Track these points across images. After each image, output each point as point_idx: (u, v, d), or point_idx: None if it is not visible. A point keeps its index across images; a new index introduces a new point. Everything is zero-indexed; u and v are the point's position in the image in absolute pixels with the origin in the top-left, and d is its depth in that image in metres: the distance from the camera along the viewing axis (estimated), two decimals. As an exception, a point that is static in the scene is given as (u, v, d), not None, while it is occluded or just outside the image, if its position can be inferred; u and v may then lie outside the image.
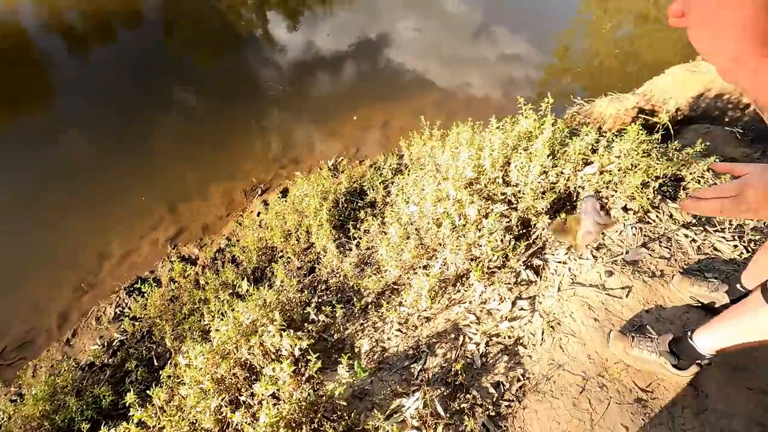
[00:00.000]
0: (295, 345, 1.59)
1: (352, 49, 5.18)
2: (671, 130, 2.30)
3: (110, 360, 2.51)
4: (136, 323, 2.50)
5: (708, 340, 1.24)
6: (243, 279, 2.16)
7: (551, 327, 1.61)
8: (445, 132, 2.76)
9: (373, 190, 2.68)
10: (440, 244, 1.86)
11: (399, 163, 3.02)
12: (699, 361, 1.33)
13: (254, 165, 3.74)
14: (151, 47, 5.28)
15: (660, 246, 1.82)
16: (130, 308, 2.68)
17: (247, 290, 1.86)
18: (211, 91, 4.59)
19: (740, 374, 1.39)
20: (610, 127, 3.52)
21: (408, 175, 2.55)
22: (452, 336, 1.69)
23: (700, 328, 1.27)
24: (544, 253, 1.83)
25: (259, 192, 3.46)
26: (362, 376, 1.49)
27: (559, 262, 1.79)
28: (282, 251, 2.58)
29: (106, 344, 2.62)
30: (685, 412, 1.38)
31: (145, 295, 2.49)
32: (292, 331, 1.67)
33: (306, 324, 1.79)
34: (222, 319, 1.76)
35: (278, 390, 1.46)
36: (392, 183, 2.68)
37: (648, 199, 1.94)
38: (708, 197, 0.70)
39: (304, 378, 1.54)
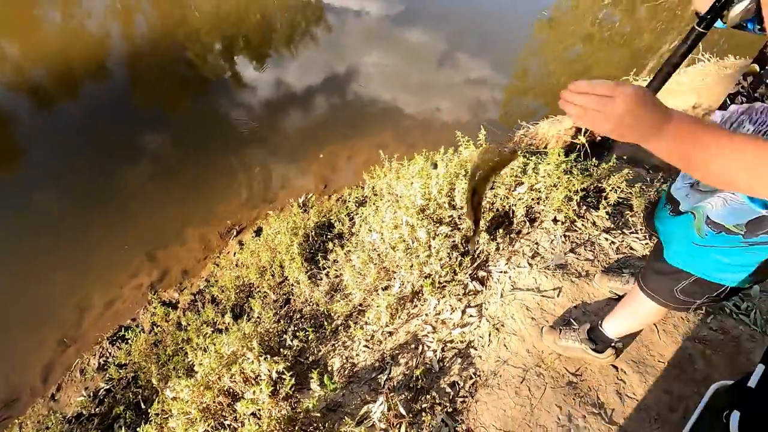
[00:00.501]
0: (273, 369, 1.77)
1: (318, 88, 5.51)
2: (588, 150, 2.65)
3: (97, 409, 2.59)
4: (122, 369, 2.60)
5: (611, 326, 1.51)
6: (223, 315, 2.33)
7: (496, 329, 1.85)
8: (403, 163, 3.05)
9: (340, 222, 2.92)
10: (398, 266, 2.10)
11: (363, 195, 3.28)
12: (613, 345, 1.59)
13: (228, 207, 3.94)
14: (118, 98, 5.43)
15: (585, 250, 2.11)
16: (114, 357, 2.78)
17: (227, 324, 2.04)
18: (182, 137, 4.79)
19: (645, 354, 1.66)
20: (553, 146, 3.90)
21: (370, 206, 2.81)
22: (413, 346, 1.90)
23: (607, 316, 1.54)
24: (488, 265, 2.09)
25: (235, 233, 3.65)
26: (332, 389, 1.68)
27: (501, 272, 2.05)
28: (258, 287, 2.76)
29: (92, 394, 2.70)
30: (608, 389, 1.62)
31: (129, 341, 2.61)
32: (269, 356, 1.85)
33: (282, 350, 1.97)
34: (204, 353, 1.92)
35: (258, 409, 1.63)
36: (357, 214, 2.93)
37: (574, 210, 2.25)
38: (581, 90, 0.63)
39: (281, 396, 1.72)
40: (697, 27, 0.70)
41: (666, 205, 1.18)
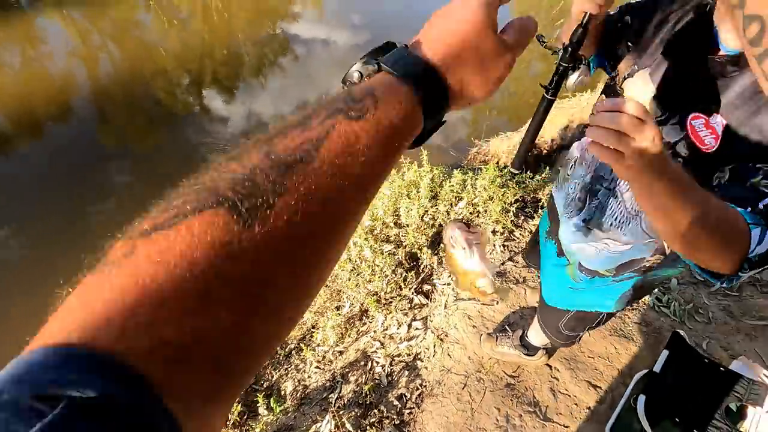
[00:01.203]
0: (223, 397, 1.79)
1: (287, 114, 5.62)
2: (527, 163, 2.82)
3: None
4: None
5: (533, 337, 1.62)
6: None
7: (440, 339, 1.93)
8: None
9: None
10: (346, 286, 2.17)
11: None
12: (542, 347, 1.69)
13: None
14: (83, 138, 5.37)
15: (522, 257, 2.24)
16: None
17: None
18: (150, 173, 4.77)
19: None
20: (504, 161, 4.10)
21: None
22: (362, 363, 1.95)
23: (530, 327, 1.65)
24: (432, 279, 2.19)
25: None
26: (279, 411, 1.70)
27: (444, 284, 2.15)
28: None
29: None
30: (543, 387, 1.71)
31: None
32: (220, 386, 1.87)
33: (234, 378, 1.99)
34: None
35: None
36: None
37: (512, 221, 2.38)
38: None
39: (230, 425, 1.73)
40: (546, 95, 0.83)
41: (549, 241, 1.28)
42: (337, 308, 2.21)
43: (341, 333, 2.06)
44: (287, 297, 0.26)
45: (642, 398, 1.33)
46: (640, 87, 0.95)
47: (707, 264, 0.68)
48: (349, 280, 2.14)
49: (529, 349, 1.70)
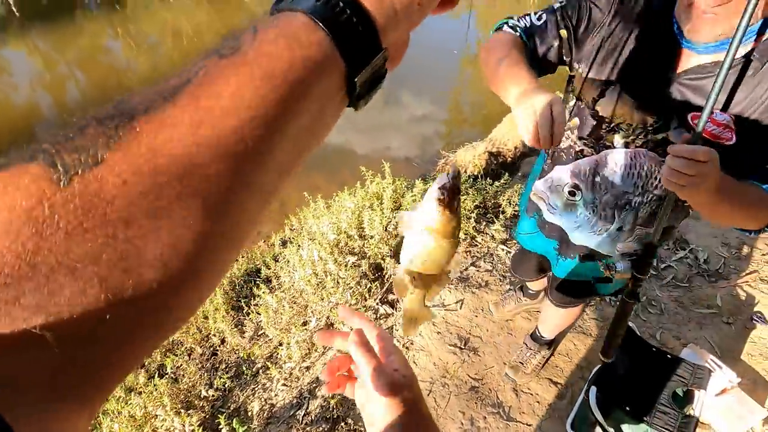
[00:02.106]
0: (185, 422, 1.75)
1: None
2: (493, 170, 2.89)
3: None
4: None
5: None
6: (151, 378, 2.26)
7: (406, 348, 1.94)
8: (327, 202, 3.18)
9: (266, 266, 2.96)
10: (311, 301, 2.17)
11: (289, 237, 3.35)
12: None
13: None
14: None
15: (484, 262, 2.28)
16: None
17: (140, 385, 2.00)
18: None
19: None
20: (471, 171, 4.19)
21: (292, 246, 2.89)
22: (329, 377, 1.94)
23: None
24: (397, 288, 2.20)
25: (166, 291, 3.56)
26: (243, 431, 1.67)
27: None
28: (184, 342, 2.70)
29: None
30: (506, 388, 1.73)
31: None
32: (183, 411, 1.82)
33: (198, 401, 1.95)
34: (118, 416, 1.86)
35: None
36: (281, 256, 2.98)
37: (473, 227, 2.43)
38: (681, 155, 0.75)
39: (193, 449, 1.69)
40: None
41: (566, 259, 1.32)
42: (304, 324, 2.20)
43: (308, 348, 2.05)
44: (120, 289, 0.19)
45: (593, 390, 1.36)
46: (616, 105, 0.98)
47: (743, 227, 0.91)
48: (314, 294, 2.14)
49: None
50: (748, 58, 0.81)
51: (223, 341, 2.60)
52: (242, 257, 3.41)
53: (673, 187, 0.78)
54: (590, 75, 0.99)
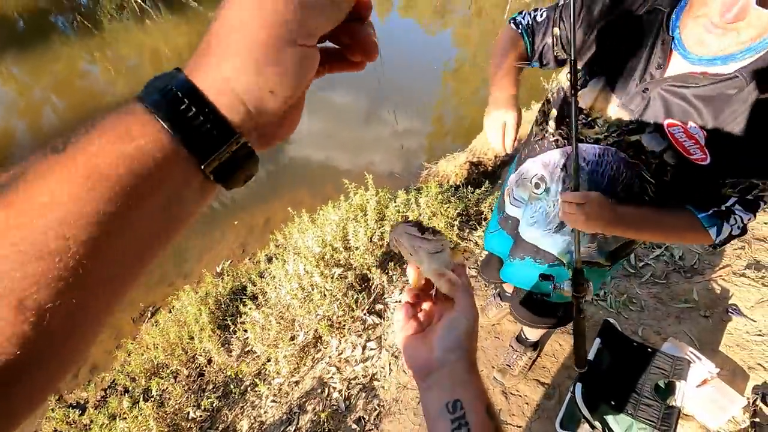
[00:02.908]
0: (172, 445, 1.71)
1: None
2: (475, 179, 2.94)
3: None
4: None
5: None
6: (135, 404, 2.20)
7: (395, 357, 1.94)
8: (312, 216, 3.18)
9: (252, 282, 2.93)
10: (298, 314, 2.16)
11: (272, 253, 3.34)
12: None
13: (140, 291, 3.77)
14: None
15: (469, 268, 2.31)
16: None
17: (124, 411, 1.94)
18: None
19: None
20: (453, 181, 4.25)
21: (278, 262, 2.87)
22: (319, 390, 1.92)
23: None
24: (384, 298, 2.21)
25: (149, 315, 3.49)
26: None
27: (396, 302, 2.18)
28: (170, 365, 2.64)
29: None
30: (495, 391, 1.74)
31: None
32: (170, 433, 1.78)
33: (185, 423, 1.90)
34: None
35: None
36: (267, 272, 2.97)
37: (457, 234, 2.47)
38: (566, 200, 0.95)
39: (180, 472, 1.65)
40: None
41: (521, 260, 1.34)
42: (292, 338, 2.18)
43: (296, 363, 2.03)
44: None
45: (579, 386, 1.38)
46: (596, 98, 0.97)
47: (693, 243, 1.07)
48: (301, 307, 2.13)
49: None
50: (735, 76, 0.78)
51: (209, 361, 2.56)
52: (227, 275, 3.37)
53: (566, 219, 0.96)
54: (579, 65, 0.97)
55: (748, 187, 0.85)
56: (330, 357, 2.02)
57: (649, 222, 0.96)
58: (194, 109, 0.25)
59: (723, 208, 0.88)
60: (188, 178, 0.26)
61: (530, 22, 1.11)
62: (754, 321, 1.93)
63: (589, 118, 0.99)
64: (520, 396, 1.72)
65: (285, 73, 0.27)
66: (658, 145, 0.88)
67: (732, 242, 2.32)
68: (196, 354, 2.64)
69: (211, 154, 0.26)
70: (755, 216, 0.88)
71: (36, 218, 0.21)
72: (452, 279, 0.50)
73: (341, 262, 2.35)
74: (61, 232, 0.21)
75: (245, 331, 2.29)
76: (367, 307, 2.14)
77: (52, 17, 8.24)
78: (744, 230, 0.91)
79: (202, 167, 0.26)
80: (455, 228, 2.47)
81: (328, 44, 0.33)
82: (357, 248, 2.38)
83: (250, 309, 2.52)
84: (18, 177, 0.22)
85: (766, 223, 2.43)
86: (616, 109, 0.93)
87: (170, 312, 3.31)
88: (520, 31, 1.11)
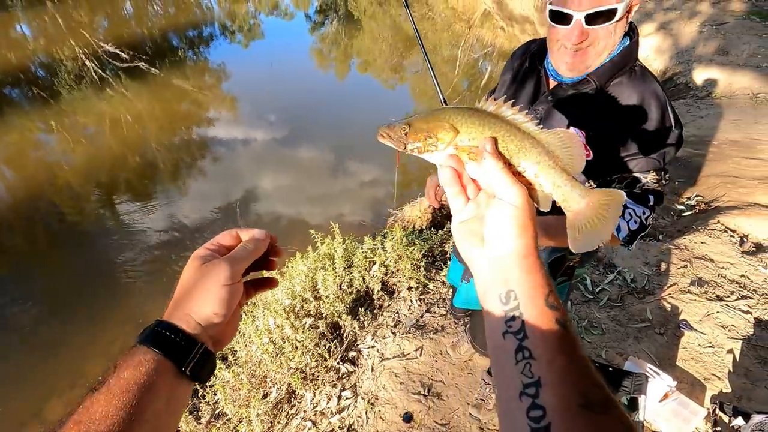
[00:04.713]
0: None
1: (207, 219, 5.47)
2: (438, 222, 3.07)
3: None
4: None
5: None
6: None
7: (371, 404, 1.91)
8: (281, 270, 3.17)
9: (220, 343, 2.84)
10: (269, 370, 2.11)
11: (243, 310, 3.27)
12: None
13: (104, 361, 3.54)
14: None
15: (438, 307, 2.37)
16: None
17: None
18: (48, 298, 4.33)
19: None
20: (418, 225, 4.38)
21: (247, 317, 2.81)
22: (295, 449, 1.85)
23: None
24: (357, 344, 2.21)
25: (109, 389, 3.25)
26: None
27: (369, 347, 2.18)
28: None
29: None
30: (472, 428, 1.74)
31: None
32: None
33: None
34: None
35: None
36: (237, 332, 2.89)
37: (424, 275, 2.54)
38: None
39: None
40: None
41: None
42: (264, 396, 2.11)
43: (270, 422, 1.96)
44: None
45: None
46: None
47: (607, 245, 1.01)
48: (272, 362, 2.09)
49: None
50: (591, 81, 1.02)
51: (176, 433, 2.40)
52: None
53: None
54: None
55: (631, 181, 0.99)
56: (305, 411, 1.96)
57: (559, 228, 1.04)
58: (171, 335, 0.44)
59: None
60: (175, 380, 0.43)
61: None
62: (704, 334, 2.07)
63: None
64: (497, 430, 1.72)
65: (222, 303, 0.47)
66: None
67: (675, 262, 2.51)
68: (161, 426, 2.47)
69: (186, 358, 0.44)
70: (653, 211, 0.98)
71: (94, 423, 0.37)
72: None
73: (311, 312, 2.34)
74: (110, 424, 0.38)
75: (215, 393, 2.20)
76: (340, 355, 2.13)
77: (6, 90, 8.17)
78: (642, 225, 0.98)
79: (183, 369, 0.43)
80: (421, 269, 2.54)
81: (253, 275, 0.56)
82: (327, 296, 2.39)
83: (219, 369, 2.43)
84: (73, 410, 0.39)
85: (703, 243, 2.66)
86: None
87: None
88: None
